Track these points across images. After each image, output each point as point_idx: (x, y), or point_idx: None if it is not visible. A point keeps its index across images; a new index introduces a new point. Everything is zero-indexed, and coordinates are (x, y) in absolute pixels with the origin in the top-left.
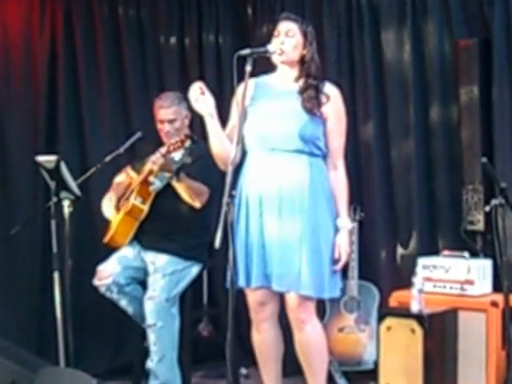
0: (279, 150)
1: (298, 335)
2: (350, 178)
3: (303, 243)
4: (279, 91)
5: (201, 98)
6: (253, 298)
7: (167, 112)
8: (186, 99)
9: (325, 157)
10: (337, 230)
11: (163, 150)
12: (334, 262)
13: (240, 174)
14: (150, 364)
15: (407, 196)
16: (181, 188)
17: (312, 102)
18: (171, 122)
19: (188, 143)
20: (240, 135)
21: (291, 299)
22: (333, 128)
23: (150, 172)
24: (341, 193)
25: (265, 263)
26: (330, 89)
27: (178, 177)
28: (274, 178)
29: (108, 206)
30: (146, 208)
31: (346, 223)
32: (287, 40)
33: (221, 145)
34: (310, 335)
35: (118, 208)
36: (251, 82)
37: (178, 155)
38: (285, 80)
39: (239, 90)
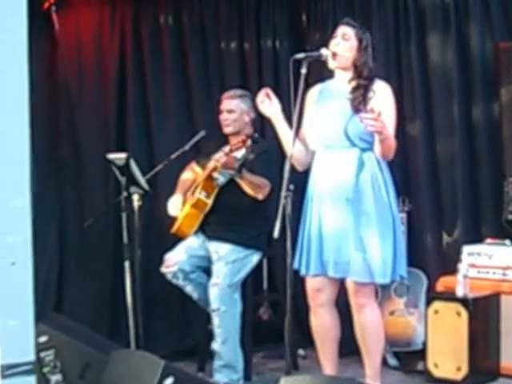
0: (333, 146)
1: (357, 318)
2: (399, 171)
3: (352, 232)
4: (334, 93)
5: (266, 101)
6: (311, 284)
7: (227, 102)
8: (251, 99)
9: None
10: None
11: (226, 149)
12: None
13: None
14: (215, 346)
15: (452, 188)
16: (244, 183)
17: (359, 99)
18: (229, 112)
19: (249, 143)
20: (295, 137)
21: (350, 285)
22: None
23: (214, 169)
24: None
25: (322, 252)
26: (378, 85)
27: (240, 174)
28: (329, 173)
29: (173, 207)
30: (210, 201)
31: None
32: (342, 43)
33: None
34: (368, 319)
35: (184, 201)
36: (317, 88)
37: (239, 153)
38: (340, 82)
39: (308, 94)
